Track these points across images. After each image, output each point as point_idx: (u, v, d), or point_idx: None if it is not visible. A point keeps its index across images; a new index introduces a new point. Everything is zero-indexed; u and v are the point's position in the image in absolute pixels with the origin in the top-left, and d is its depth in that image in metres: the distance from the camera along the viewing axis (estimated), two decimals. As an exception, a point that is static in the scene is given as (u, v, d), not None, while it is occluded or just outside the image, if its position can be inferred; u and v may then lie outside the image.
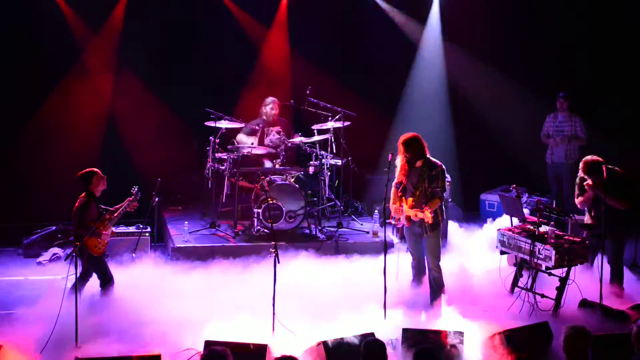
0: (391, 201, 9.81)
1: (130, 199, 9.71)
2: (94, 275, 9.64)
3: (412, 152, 9.52)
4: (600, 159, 10.02)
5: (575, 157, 12.96)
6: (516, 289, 10.09)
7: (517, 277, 10.24)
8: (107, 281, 9.57)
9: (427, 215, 9.28)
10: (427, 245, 9.73)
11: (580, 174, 10.18)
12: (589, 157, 10.10)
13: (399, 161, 9.68)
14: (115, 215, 9.60)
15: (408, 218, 9.55)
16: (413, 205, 9.47)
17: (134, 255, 11.06)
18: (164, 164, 12.85)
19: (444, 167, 9.63)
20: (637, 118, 13.94)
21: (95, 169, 9.57)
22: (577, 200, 10.34)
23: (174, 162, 13.25)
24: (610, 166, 9.97)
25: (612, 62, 13.99)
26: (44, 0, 12.93)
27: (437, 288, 9.77)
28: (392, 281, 9.84)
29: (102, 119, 13.47)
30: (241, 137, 12.76)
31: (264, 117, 12.91)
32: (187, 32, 13.58)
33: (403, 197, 9.66)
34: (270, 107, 12.90)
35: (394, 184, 9.85)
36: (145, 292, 9.93)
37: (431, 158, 9.61)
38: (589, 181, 9.94)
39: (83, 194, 9.43)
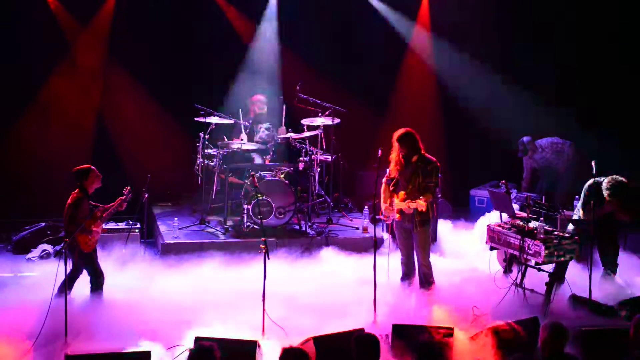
0: (382, 198, 9.82)
1: (122, 198, 9.70)
2: (84, 272, 9.62)
3: (408, 147, 9.53)
4: (624, 180, 9.97)
5: (571, 160, 12.94)
6: (505, 284, 10.11)
7: (506, 272, 10.27)
8: (97, 278, 9.52)
9: (421, 204, 9.27)
10: (416, 240, 9.74)
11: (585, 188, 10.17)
12: (614, 179, 9.95)
13: (393, 156, 9.69)
14: (106, 213, 9.56)
15: (399, 211, 9.55)
16: (405, 199, 9.47)
17: (123, 251, 11.05)
18: (153, 160, 12.83)
19: (438, 163, 9.65)
20: (633, 115, 13.96)
21: (91, 166, 9.51)
22: (586, 216, 10.12)
23: (163, 158, 13.22)
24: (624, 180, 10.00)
25: (604, 56, 14.03)
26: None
27: (426, 284, 9.79)
28: (383, 277, 9.85)
29: (92, 115, 13.44)
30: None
31: (252, 115, 12.93)
32: (177, 27, 13.53)
33: (394, 193, 9.66)
34: (257, 105, 12.91)
35: (384, 180, 9.85)
36: (134, 288, 9.94)
37: (426, 154, 9.63)
38: (612, 202, 9.90)
39: (76, 190, 9.38)
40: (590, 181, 10.10)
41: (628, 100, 14.01)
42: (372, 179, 9.84)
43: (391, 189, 9.73)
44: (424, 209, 9.37)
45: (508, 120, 13.91)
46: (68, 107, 13.21)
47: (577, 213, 10.33)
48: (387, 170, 9.85)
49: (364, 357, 6.73)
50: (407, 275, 10.03)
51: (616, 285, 10.11)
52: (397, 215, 9.63)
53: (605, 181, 9.95)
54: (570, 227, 10.28)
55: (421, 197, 9.35)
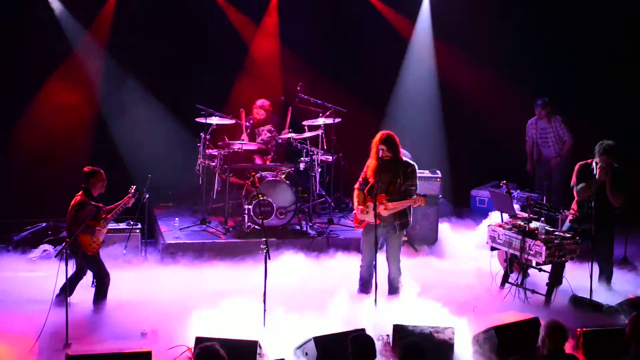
0: (356, 203, 9.75)
1: (129, 196, 9.71)
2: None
3: (390, 149, 9.48)
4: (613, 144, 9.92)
5: (564, 156, 12.99)
6: (507, 285, 10.12)
7: (507, 273, 10.26)
8: (102, 279, 9.48)
9: (421, 199, 9.31)
10: (393, 244, 9.68)
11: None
12: (603, 141, 9.92)
13: (371, 161, 9.63)
14: (111, 214, 9.56)
15: (377, 216, 9.43)
16: (388, 200, 9.42)
17: (124, 252, 11.07)
18: (154, 161, 12.83)
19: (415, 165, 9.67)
20: (631, 115, 13.96)
21: (99, 170, 9.51)
22: (578, 188, 10.04)
23: (164, 158, 13.22)
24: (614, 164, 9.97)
25: (604, 56, 14.04)
26: (33, -4, 12.92)
27: (393, 288, 9.74)
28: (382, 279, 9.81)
29: (93, 115, 13.44)
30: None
31: (254, 119, 12.93)
32: (178, 28, 13.53)
33: (369, 197, 9.59)
34: (256, 111, 12.91)
35: (356, 186, 9.80)
36: (135, 288, 9.94)
37: (402, 156, 9.61)
38: (601, 162, 9.80)
39: (80, 193, 9.39)
40: (578, 165, 10.07)
41: (628, 101, 14.02)
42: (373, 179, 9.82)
43: (365, 193, 9.67)
44: (422, 204, 9.39)
45: (508, 120, 13.91)
46: (69, 108, 13.20)
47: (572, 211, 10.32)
48: (361, 175, 9.79)
49: (361, 357, 6.75)
50: (367, 282, 9.78)
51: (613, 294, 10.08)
52: (377, 220, 9.50)
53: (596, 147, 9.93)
54: (567, 225, 10.29)
55: (418, 198, 9.38)
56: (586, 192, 9.99)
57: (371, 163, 9.63)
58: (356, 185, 9.80)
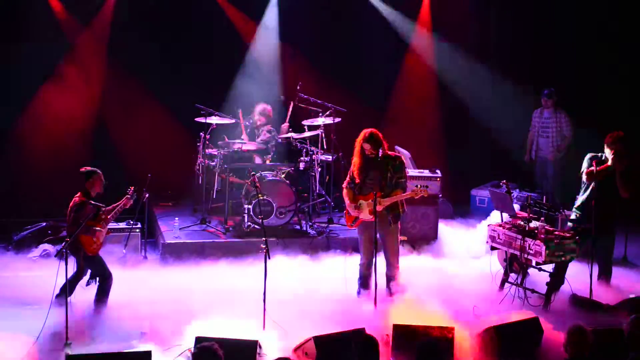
0: (347, 202, 9.77)
1: (127, 197, 9.70)
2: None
3: (376, 146, 9.49)
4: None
5: (562, 153, 13.00)
6: (506, 284, 10.12)
7: (507, 272, 10.26)
8: (105, 279, 9.46)
9: (423, 191, 9.32)
10: (390, 238, 9.72)
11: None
12: (616, 132, 9.87)
13: (356, 159, 9.64)
14: (110, 215, 9.56)
15: (372, 212, 9.45)
16: (382, 195, 9.43)
17: (124, 251, 11.06)
18: (154, 160, 12.83)
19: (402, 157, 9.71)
20: (629, 113, 13.97)
21: (97, 170, 9.50)
22: (587, 171, 9.92)
23: (164, 158, 13.22)
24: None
25: (604, 56, 14.04)
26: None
27: (393, 281, 9.76)
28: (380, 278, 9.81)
29: (92, 114, 13.44)
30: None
31: (255, 122, 12.90)
32: (177, 27, 13.54)
33: (360, 195, 9.62)
34: (257, 117, 12.85)
35: (344, 185, 9.81)
36: (135, 288, 9.94)
37: (388, 151, 9.63)
38: (618, 149, 9.71)
39: (79, 193, 9.38)
40: (590, 154, 10.02)
41: (628, 100, 14.02)
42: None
43: (357, 191, 9.67)
44: (426, 194, 9.42)
45: (508, 120, 13.93)
46: (69, 107, 13.21)
47: (574, 211, 10.28)
48: (349, 173, 9.79)
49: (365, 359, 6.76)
50: (367, 279, 9.82)
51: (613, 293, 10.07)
52: (371, 216, 9.46)
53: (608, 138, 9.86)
54: (570, 224, 10.28)
55: (420, 190, 9.41)
56: (597, 175, 9.84)
57: (357, 161, 9.66)
58: (344, 185, 9.83)
